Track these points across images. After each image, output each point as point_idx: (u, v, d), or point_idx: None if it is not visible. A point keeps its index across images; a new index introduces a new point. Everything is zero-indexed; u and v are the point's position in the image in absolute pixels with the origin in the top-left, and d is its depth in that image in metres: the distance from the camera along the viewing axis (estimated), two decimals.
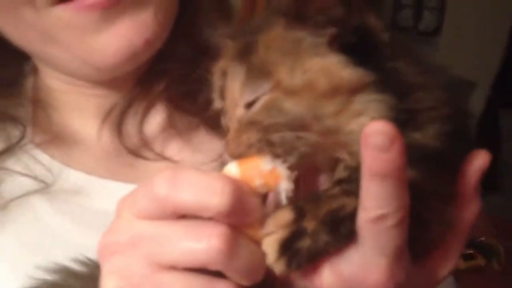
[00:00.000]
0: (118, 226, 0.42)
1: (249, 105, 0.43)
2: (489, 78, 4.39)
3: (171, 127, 0.69)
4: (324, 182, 0.45)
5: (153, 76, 0.67)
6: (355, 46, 0.42)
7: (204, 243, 0.39)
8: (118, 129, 0.66)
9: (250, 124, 0.43)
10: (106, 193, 0.46)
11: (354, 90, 0.41)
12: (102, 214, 0.45)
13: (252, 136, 0.42)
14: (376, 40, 0.43)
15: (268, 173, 0.42)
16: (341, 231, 0.41)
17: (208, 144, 0.65)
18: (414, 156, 0.40)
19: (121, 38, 0.57)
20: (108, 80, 0.64)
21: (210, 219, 0.40)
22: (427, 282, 0.48)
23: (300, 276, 0.44)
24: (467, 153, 0.48)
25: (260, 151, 0.42)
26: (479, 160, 0.48)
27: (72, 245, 0.56)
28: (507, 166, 4.40)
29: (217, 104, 0.47)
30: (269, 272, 0.43)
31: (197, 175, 0.40)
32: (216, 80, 0.46)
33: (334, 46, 0.42)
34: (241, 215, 0.41)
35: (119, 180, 0.63)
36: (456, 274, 2.66)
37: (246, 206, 0.41)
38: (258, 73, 0.43)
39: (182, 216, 0.41)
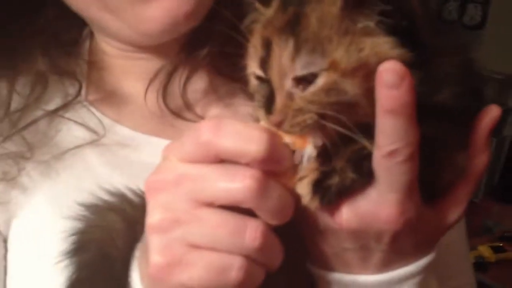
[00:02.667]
0: (164, 167, 0.46)
1: (301, 79, 0.44)
2: None
3: (212, 92, 0.74)
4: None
5: (197, 42, 0.71)
6: (400, 27, 0.43)
7: (238, 183, 0.43)
8: (163, 91, 0.71)
9: (306, 104, 0.44)
10: (151, 148, 0.47)
11: None
12: (147, 166, 0.48)
13: (309, 117, 0.44)
14: (416, 22, 0.44)
15: (299, 135, 0.46)
16: (364, 169, 0.45)
17: (246, 108, 0.67)
18: (431, 113, 0.44)
19: (164, 10, 0.62)
20: (154, 46, 0.70)
21: (247, 165, 0.44)
22: (437, 225, 0.51)
23: (323, 213, 0.48)
24: (480, 110, 0.50)
25: (312, 131, 0.45)
26: (490, 114, 0.50)
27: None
28: None
29: (254, 71, 0.47)
30: (296, 213, 0.47)
31: (238, 125, 0.44)
32: (258, 49, 0.46)
33: (382, 28, 0.43)
34: (274, 162, 0.44)
35: (163, 138, 0.69)
36: (486, 265, 2.71)
37: (279, 155, 0.44)
38: (311, 47, 0.43)
39: (223, 161, 0.45)
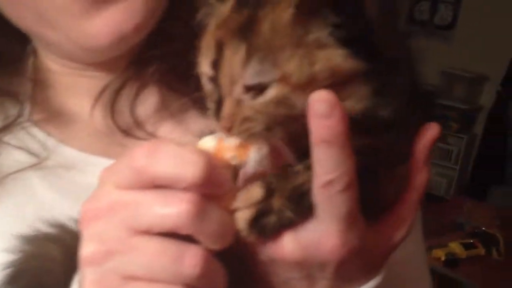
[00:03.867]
0: (98, 194, 0.44)
1: (251, 88, 0.42)
2: (500, 72, 4.42)
3: (164, 108, 0.70)
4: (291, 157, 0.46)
5: (146, 58, 0.67)
6: (354, 38, 0.41)
7: (175, 208, 0.41)
8: (111, 109, 0.66)
9: (255, 113, 0.43)
10: (99, 170, 0.45)
11: (348, 81, 0.42)
12: (93, 189, 0.45)
13: (257, 126, 0.43)
14: (373, 32, 0.43)
15: (239, 146, 0.45)
16: (303, 205, 0.44)
17: (198, 124, 0.63)
18: (373, 128, 0.44)
19: (112, 23, 0.58)
20: (101, 62, 0.66)
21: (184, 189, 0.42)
22: (383, 247, 0.49)
23: (264, 244, 0.46)
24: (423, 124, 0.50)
25: (258, 139, 0.44)
26: (430, 132, 0.49)
27: (62, 217, 0.58)
28: None
29: (206, 72, 0.45)
30: (237, 241, 0.45)
31: (174, 148, 0.42)
32: (210, 50, 0.44)
33: (335, 39, 0.42)
34: (212, 186, 0.42)
35: (112, 158, 0.61)
36: (457, 262, 2.73)
37: (217, 178, 0.43)
38: (262, 56, 0.42)
39: (159, 187, 0.42)
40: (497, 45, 4.38)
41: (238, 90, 0.43)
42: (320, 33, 0.42)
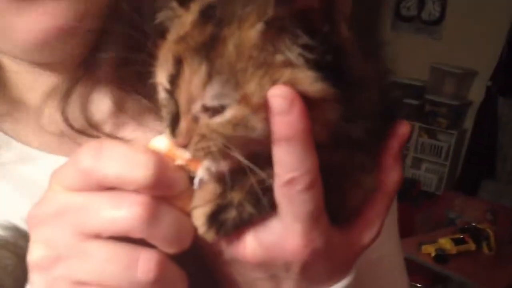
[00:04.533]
0: (46, 198, 0.43)
1: (209, 109, 0.41)
2: (489, 67, 4.41)
3: (122, 110, 0.67)
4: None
5: (96, 59, 0.63)
6: (324, 62, 0.40)
7: (124, 211, 0.39)
8: (63, 109, 0.64)
9: (211, 132, 0.41)
10: (53, 168, 0.44)
11: (315, 105, 0.40)
12: (45, 187, 0.44)
13: (212, 145, 0.41)
14: (344, 56, 0.41)
15: (190, 159, 0.43)
16: (263, 203, 0.42)
17: (160, 126, 0.60)
18: (343, 143, 0.43)
19: (36, 23, 0.56)
20: (50, 62, 0.64)
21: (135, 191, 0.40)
22: (351, 248, 0.48)
23: (226, 245, 0.45)
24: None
25: (212, 157, 0.42)
26: (400, 131, 0.48)
27: (17, 215, 0.55)
28: (504, 153, 4.46)
29: (163, 84, 0.44)
30: (197, 242, 0.44)
31: (121, 148, 0.40)
32: (168, 63, 0.42)
33: (304, 61, 0.40)
34: (164, 187, 0.41)
35: (68, 156, 0.61)
36: (447, 258, 2.75)
37: (169, 179, 0.41)
38: (225, 79, 0.40)
39: (109, 188, 0.41)
40: (486, 40, 4.39)
41: (195, 108, 0.41)
42: (289, 53, 0.40)
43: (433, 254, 3.10)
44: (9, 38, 0.58)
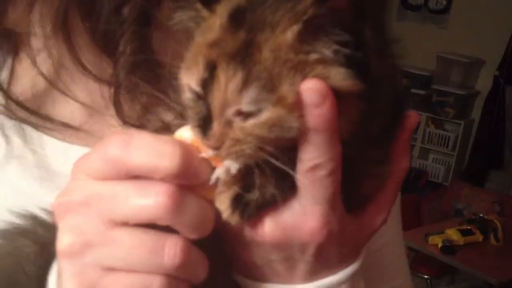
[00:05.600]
0: (73, 187, 0.44)
1: (244, 113, 0.42)
2: (497, 56, 4.39)
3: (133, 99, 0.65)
4: None
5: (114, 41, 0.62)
6: (355, 58, 0.41)
7: (151, 199, 0.41)
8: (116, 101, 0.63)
9: (246, 135, 0.42)
10: (69, 157, 0.46)
11: (342, 98, 0.42)
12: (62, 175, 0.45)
13: (246, 149, 0.43)
14: (368, 53, 0.42)
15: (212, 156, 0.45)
16: (286, 184, 0.44)
17: (169, 116, 0.61)
18: (360, 138, 0.45)
19: None
20: None
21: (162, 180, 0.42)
22: (361, 233, 0.51)
23: (246, 227, 0.47)
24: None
25: (244, 160, 0.44)
26: (408, 122, 0.51)
27: (34, 204, 0.58)
28: (511, 144, 4.44)
29: (191, 86, 0.45)
30: (217, 227, 0.46)
31: (149, 138, 0.42)
32: (199, 67, 0.43)
33: (339, 58, 0.41)
34: (189, 176, 0.42)
35: (88, 147, 0.63)
36: (454, 249, 2.74)
37: (194, 168, 0.43)
38: (262, 85, 0.41)
39: (136, 177, 0.42)
40: (493, 29, 4.37)
41: (229, 113, 0.42)
42: (325, 50, 0.41)
43: (440, 245, 3.11)
44: None
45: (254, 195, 0.45)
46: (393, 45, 0.50)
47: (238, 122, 0.42)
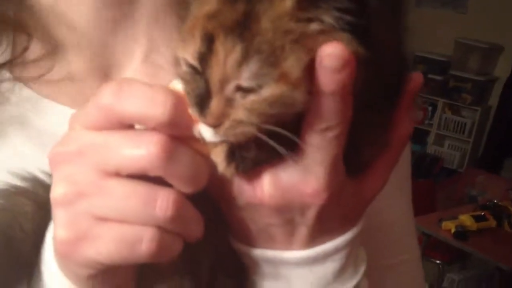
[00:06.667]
0: (68, 137, 0.44)
1: (244, 88, 0.41)
2: None
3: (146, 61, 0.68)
4: None
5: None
6: (358, 25, 0.40)
7: (143, 149, 0.41)
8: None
9: (248, 112, 0.41)
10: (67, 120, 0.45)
11: None
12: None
13: (248, 130, 0.42)
14: (371, 19, 0.42)
15: None
16: (283, 142, 0.43)
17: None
18: (362, 103, 0.44)
19: None
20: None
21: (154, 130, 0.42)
22: (360, 198, 0.50)
23: (244, 188, 0.46)
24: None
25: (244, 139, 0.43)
26: (413, 82, 0.50)
27: (34, 165, 0.58)
28: None
29: (187, 60, 0.44)
30: (211, 188, 0.45)
31: (141, 86, 0.41)
32: (196, 40, 0.42)
33: (340, 25, 0.40)
34: (182, 127, 0.42)
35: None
36: (467, 234, 2.74)
37: (187, 119, 0.42)
38: (263, 58, 0.40)
39: (130, 127, 0.43)
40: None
41: (229, 89, 0.41)
42: (326, 17, 0.40)
43: (453, 231, 3.10)
44: None
45: (251, 152, 0.44)
46: (402, 16, 0.49)
47: (239, 101, 0.41)
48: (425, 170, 4.48)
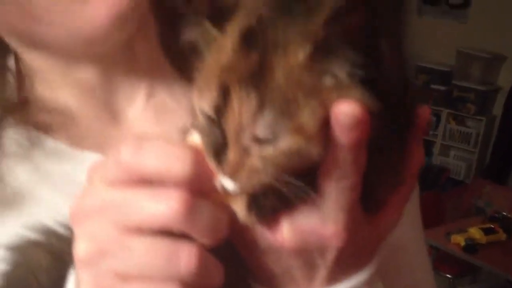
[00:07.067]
0: (88, 193, 0.45)
1: (260, 139, 0.42)
2: None
3: (147, 107, 0.70)
4: None
5: (133, 51, 0.66)
6: (370, 78, 0.41)
7: (163, 205, 0.41)
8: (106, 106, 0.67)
9: (264, 163, 0.42)
10: (88, 165, 0.45)
11: None
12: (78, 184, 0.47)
13: (265, 179, 0.43)
14: (384, 72, 0.42)
15: None
16: (300, 191, 0.44)
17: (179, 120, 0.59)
18: (376, 145, 0.44)
19: (107, 5, 0.56)
20: (93, 53, 0.64)
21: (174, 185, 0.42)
22: (375, 235, 0.51)
23: (264, 232, 0.47)
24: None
25: (263, 188, 0.44)
26: (420, 117, 0.50)
27: (50, 216, 0.58)
28: None
29: (204, 110, 0.44)
30: (231, 234, 0.46)
31: (161, 144, 0.43)
32: (212, 92, 0.43)
33: (353, 80, 0.41)
34: (201, 181, 0.43)
35: (102, 153, 0.64)
36: (476, 247, 2.70)
37: (206, 174, 0.43)
38: (277, 109, 0.41)
39: (151, 183, 0.43)
40: None
41: (246, 138, 0.42)
42: (338, 72, 0.41)
43: (462, 244, 3.07)
44: (73, 31, 0.58)
45: (269, 200, 0.44)
46: (408, 49, 0.48)
47: (255, 150, 0.42)
48: (431, 181, 4.45)
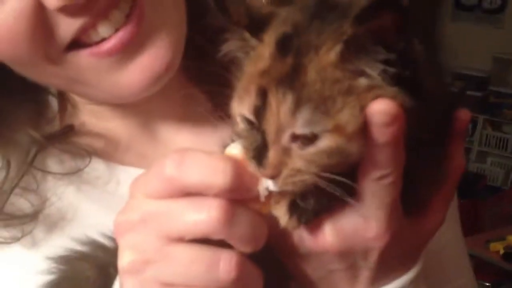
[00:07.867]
0: (131, 206, 0.46)
1: (300, 136, 0.43)
2: None
3: (185, 119, 0.73)
4: None
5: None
6: (403, 76, 0.42)
7: (204, 214, 0.43)
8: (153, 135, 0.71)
9: (305, 163, 0.43)
10: (130, 180, 0.48)
11: None
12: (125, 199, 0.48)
13: (309, 178, 0.43)
14: (418, 70, 0.43)
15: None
16: (341, 188, 0.44)
17: (216, 135, 0.62)
18: (415, 145, 0.45)
19: (144, 70, 0.59)
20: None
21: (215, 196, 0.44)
22: (419, 236, 0.51)
23: (305, 237, 0.48)
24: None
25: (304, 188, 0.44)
26: (459, 119, 0.51)
27: (94, 229, 0.60)
28: None
29: (244, 115, 0.46)
30: (271, 240, 0.47)
31: (202, 156, 0.44)
32: (251, 96, 0.45)
33: (386, 77, 0.42)
34: (241, 191, 0.44)
35: (141, 168, 0.63)
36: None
37: (246, 183, 0.44)
38: (313, 105, 0.42)
39: (190, 194, 0.44)
40: None
41: (285, 138, 0.43)
42: (370, 70, 0.42)
43: (501, 252, 3.03)
44: (111, 94, 0.63)
45: (310, 202, 0.45)
46: (443, 51, 0.50)
47: (296, 150, 0.43)
48: (468, 189, 4.38)
